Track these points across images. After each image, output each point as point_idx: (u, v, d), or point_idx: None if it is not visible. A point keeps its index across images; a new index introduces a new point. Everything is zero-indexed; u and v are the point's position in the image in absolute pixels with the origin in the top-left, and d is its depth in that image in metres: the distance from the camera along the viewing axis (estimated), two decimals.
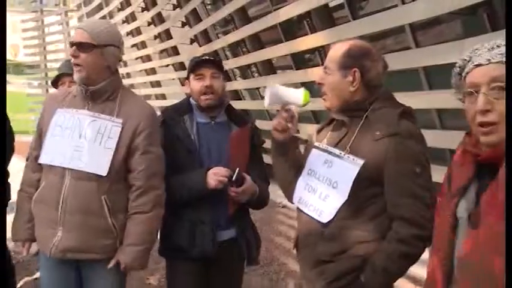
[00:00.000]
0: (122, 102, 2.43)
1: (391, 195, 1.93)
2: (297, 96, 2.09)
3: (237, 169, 2.49)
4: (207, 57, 2.69)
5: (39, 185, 2.45)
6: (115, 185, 2.38)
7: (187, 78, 2.70)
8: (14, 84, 23.78)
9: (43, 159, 2.41)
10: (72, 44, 2.37)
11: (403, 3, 5.17)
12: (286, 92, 2.12)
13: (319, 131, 2.24)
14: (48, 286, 2.52)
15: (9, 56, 45.16)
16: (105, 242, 2.38)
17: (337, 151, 2.03)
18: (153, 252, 3.18)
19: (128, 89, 2.64)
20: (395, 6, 5.27)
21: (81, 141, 2.36)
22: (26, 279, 3.08)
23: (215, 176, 2.48)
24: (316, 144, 2.16)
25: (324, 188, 2.04)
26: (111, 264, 2.38)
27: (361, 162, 1.93)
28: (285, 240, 5.59)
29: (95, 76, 2.37)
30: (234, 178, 2.48)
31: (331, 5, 6.62)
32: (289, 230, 5.73)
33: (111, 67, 2.43)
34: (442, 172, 1.69)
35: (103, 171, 2.33)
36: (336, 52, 2.06)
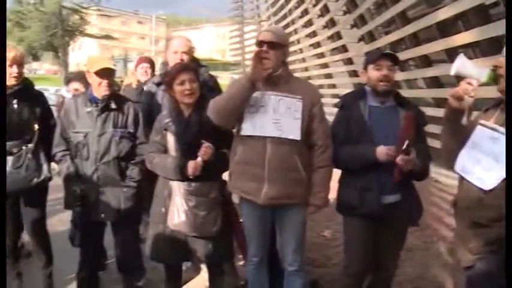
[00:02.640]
0: (295, 84, 2.56)
1: None
2: (482, 73, 1.92)
3: (407, 141, 2.40)
4: (386, 52, 2.63)
5: (236, 150, 2.54)
6: (301, 146, 2.50)
7: (365, 68, 2.63)
8: (222, 77, 25.57)
9: (245, 131, 2.51)
10: (262, 42, 2.44)
11: None
12: (472, 66, 1.95)
13: (485, 111, 2.08)
14: (251, 223, 2.66)
15: (219, 57, 48.81)
16: (300, 190, 2.53)
17: (504, 130, 1.88)
18: (328, 211, 3.25)
19: (295, 76, 2.70)
20: None
21: (276, 116, 2.46)
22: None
23: (388, 151, 2.43)
24: (482, 122, 2.02)
25: (488, 161, 1.92)
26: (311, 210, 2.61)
27: None
28: (438, 210, 5.22)
29: (276, 68, 2.47)
30: (404, 147, 2.40)
31: (487, 2, 5.89)
32: (441, 202, 5.36)
33: (285, 61, 2.57)
34: None
35: (297, 136, 2.47)
36: None
